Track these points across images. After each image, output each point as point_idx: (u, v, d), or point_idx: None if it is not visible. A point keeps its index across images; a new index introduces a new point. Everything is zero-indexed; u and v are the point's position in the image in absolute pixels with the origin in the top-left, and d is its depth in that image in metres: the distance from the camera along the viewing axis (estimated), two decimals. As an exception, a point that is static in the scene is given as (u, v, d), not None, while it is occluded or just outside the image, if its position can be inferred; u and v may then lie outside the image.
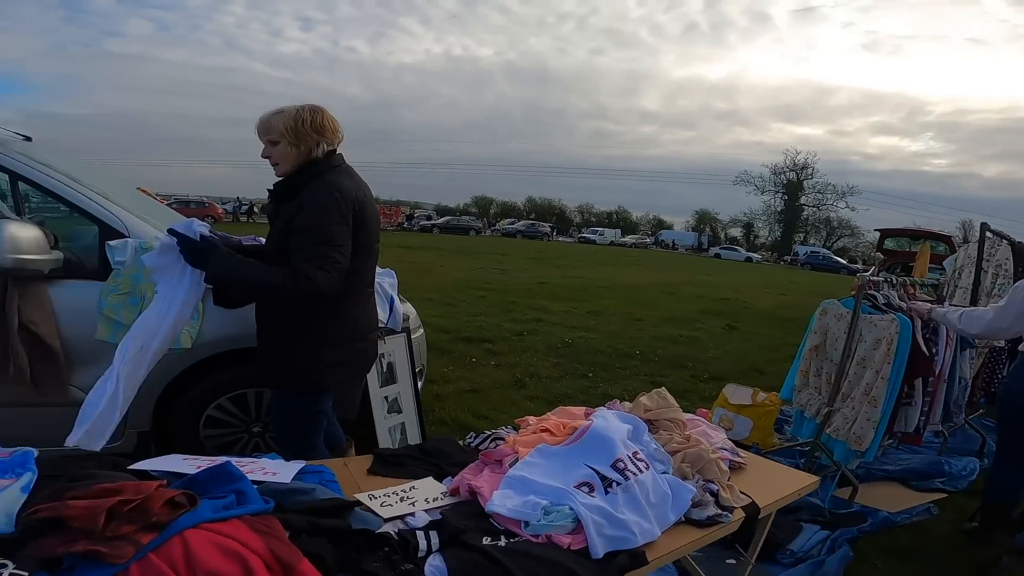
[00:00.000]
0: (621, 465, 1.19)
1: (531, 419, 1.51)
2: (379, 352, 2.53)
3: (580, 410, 1.55)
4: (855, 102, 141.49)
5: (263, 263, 1.73)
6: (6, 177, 2.43)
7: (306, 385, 1.84)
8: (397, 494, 1.18)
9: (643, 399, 1.65)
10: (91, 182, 2.34)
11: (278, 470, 1.09)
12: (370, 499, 1.15)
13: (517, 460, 1.22)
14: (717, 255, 43.77)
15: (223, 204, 37.29)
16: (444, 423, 3.39)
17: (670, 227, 65.69)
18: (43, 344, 2.00)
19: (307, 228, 1.66)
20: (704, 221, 66.22)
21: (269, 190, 1.86)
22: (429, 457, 1.41)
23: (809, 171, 56.11)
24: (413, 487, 1.21)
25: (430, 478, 1.27)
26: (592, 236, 49.17)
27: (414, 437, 2.84)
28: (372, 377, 2.55)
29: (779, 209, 57.35)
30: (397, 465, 1.36)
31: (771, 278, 22.46)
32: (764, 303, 12.05)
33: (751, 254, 46.16)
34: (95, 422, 1.66)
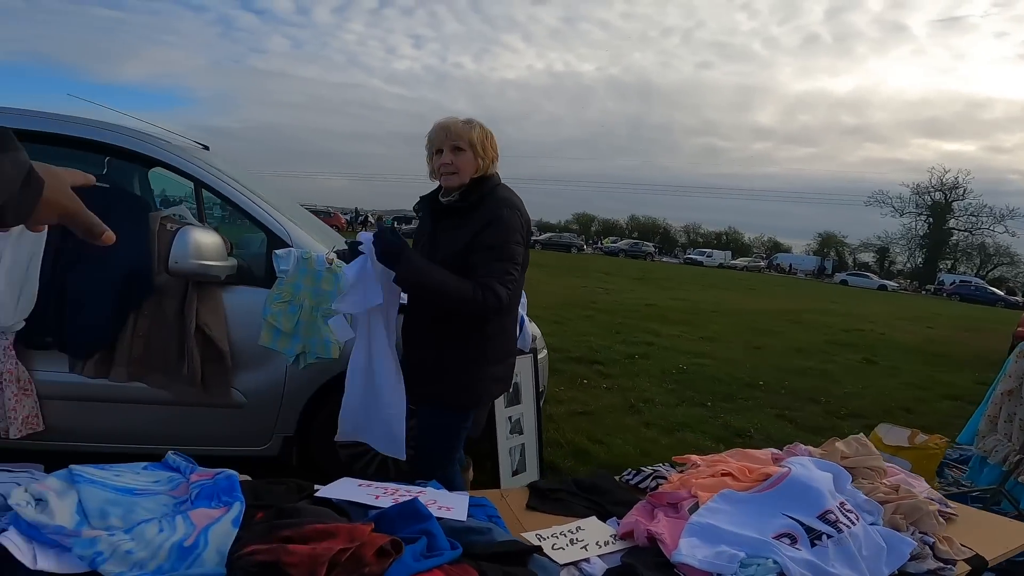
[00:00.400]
0: (832, 517, 1.06)
1: (696, 458, 1.40)
2: None
3: (763, 453, 1.41)
4: (1013, 116, 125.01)
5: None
6: (191, 184, 2.56)
7: (467, 402, 1.84)
8: (565, 535, 1.12)
9: (839, 445, 1.48)
10: (260, 191, 2.49)
11: (451, 504, 1.08)
12: (539, 539, 1.10)
13: (697, 505, 1.13)
14: (844, 281, 40.20)
15: (343, 214, 40.16)
16: (559, 445, 3.33)
17: (787, 250, 61.51)
18: (214, 347, 2.15)
19: (494, 245, 1.69)
20: (828, 244, 61.16)
21: (423, 199, 1.88)
22: (588, 494, 1.35)
23: (960, 191, 49.69)
24: (580, 527, 1.15)
25: (594, 518, 1.21)
26: (699, 257, 47.11)
27: (532, 459, 2.80)
28: (499, 398, 2.55)
29: (922, 233, 51.34)
30: (555, 500, 1.31)
31: (912, 309, 20.18)
32: (906, 336, 10.82)
33: (886, 282, 41.84)
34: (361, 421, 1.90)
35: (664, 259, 47.67)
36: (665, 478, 1.35)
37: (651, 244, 49.86)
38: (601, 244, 49.44)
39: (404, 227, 39.37)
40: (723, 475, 1.24)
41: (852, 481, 1.28)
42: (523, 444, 2.76)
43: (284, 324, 2.19)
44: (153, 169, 2.88)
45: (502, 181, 1.86)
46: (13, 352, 2.00)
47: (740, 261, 49.85)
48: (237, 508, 0.86)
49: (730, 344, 7.67)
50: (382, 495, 1.06)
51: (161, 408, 2.21)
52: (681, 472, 1.37)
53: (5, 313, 1.92)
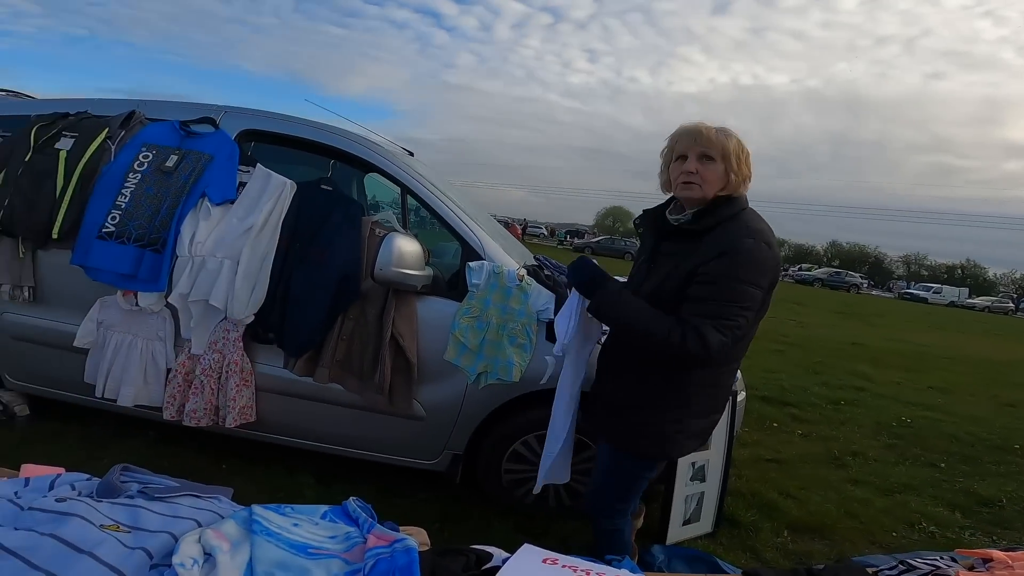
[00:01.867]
0: None
1: (1001, 555, 1.04)
2: None
3: None
4: None
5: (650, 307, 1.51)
6: (398, 190, 2.61)
7: (655, 452, 1.64)
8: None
9: None
10: (458, 200, 2.50)
11: None
12: None
13: None
14: None
15: (520, 226, 41.68)
16: (741, 495, 2.91)
17: (1050, 289, 49.20)
18: (404, 357, 2.19)
19: (718, 280, 1.40)
20: (1112, 284, 47.73)
21: (647, 213, 1.66)
22: None
23: None
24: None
25: None
26: (923, 293, 39.93)
27: (709, 509, 2.48)
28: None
29: None
30: None
31: None
32: None
33: None
34: (555, 463, 1.85)
35: (875, 292, 41.30)
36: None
37: (857, 274, 43.56)
38: (791, 271, 44.50)
39: (576, 240, 39.67)
40: None
41: None
42: (703, 493, 2.45)
43: (470, 340, 2.17)
44: (368, 175, 3.11)
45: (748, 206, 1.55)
46: (241, 344, 2.24)
47: (980, 300, 41.15)
48: None
49: (971, 398, 6.24)
50: None
51: (350, 412, 2.31)
52: (975, 570, 1.00)
53: (239, 306, 2.15)
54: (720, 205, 1.49)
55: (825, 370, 6.87)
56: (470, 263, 2.24)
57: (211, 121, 2.43)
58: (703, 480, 2.45)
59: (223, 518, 0.86)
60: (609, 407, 1.67)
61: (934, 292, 40.30)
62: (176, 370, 2.29)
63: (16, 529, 0.73)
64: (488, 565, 0.96)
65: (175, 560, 0.71)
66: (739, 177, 1.49)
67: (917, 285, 45.79)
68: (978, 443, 4.38)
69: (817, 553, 2.44)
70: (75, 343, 2.31)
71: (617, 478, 1.71)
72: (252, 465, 2.56)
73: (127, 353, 2.30)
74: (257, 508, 0.88)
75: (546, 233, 46.44)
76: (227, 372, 2.25)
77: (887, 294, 42.46)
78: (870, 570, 1.11)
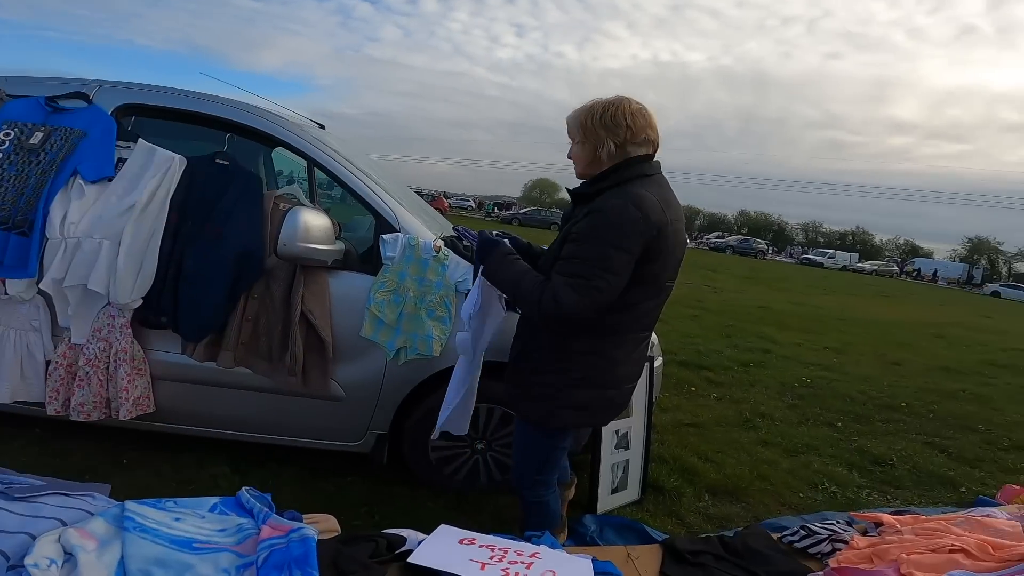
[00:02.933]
0: None
1: (889, 519, 1.09)
2: None
3: (1007, 523, 1.07)
4: None
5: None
6: (304, 163, 2.54)
7: (544, 423, 1.65)
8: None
9: None
10: (372, 173, 2.40)
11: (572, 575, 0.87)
12: None
13: None
14: (996, 293, 35.20)
15: (448, 199, 41.37)
16: (664, 461, 3.02)
17: (928, 255, 54.88)
18: (316, 335, 2.08)
19: (582, 239, 1.43)
20: (979, 251, 53.95)
21: (568, 190, 1.65)
22: (738, 559, 1.07)
23: None
24: (736, 610, 0.90)
25: None
26: (819, 258, 43.28)
27: (635, 476, 2.55)
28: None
29: (1097, 240, 43.82)
30: (696, 566, 1.05)
31: (1084, 327, 17.13)
32: (1082, 360, 9.10)
33: (1048, 294, 36.08)
34: (455, 413, 1.86)
35: (777, 258, 44.35)
36: (846, 542, 1.04)
37: (763, 241, 46.51)
38: (706, 239, 46.88)
39: (504, 213, 39.82)
40: (953, 551, 0.92)
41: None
42: (628, 460, 2.51)
43: (387, 315, 2.10)
44: (276, 149, 2.93)
45: (660, 174, 1.54)
46: (129, 330, 2.05)
47: (869, 264, 45.20)
48: None
49: (862, 358, 6.83)
50: (488, 562, 0.86)
51: (262, 396, 2.19)
52: (869, 535, 1.06)
53: (123, 290, 1.96)
54: (609, 174, 1.50)
55: (735, 333, 7.29)
56: (384, 235, 2.15)
57: (83, 96, 2.19)
58: (627, 448, 2.51)
59: (91, 516, 0.77)
60: (509, 371, 1.71)
61: (829, 257, 43.74)
62: (57, 362, 2.06)
63: None
64: (402, 549, 0.92)
65: (27, 561, 0.65)
66: (590, 143, 1.50)
67: (814, 251, 49.57)
68: (869, 402, 4.77)
69: (735, 516, 2.56)
70: (-71, 337, 2.00)
71: (526, 450, 1.74)
72: (156, 458, 2.38)
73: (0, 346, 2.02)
74: (130, 504, 0.81)
75: (474, 206, 46.15)
76: (116, 361, 2.06)
77: (789, 260, 45.66)
78: (775, 535, 1.16)
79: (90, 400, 2.06)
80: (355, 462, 2.45)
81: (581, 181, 1.60)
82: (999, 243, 53.83)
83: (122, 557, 0.70)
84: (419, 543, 0.94)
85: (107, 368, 2.06)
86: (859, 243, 61.34)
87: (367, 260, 2.22)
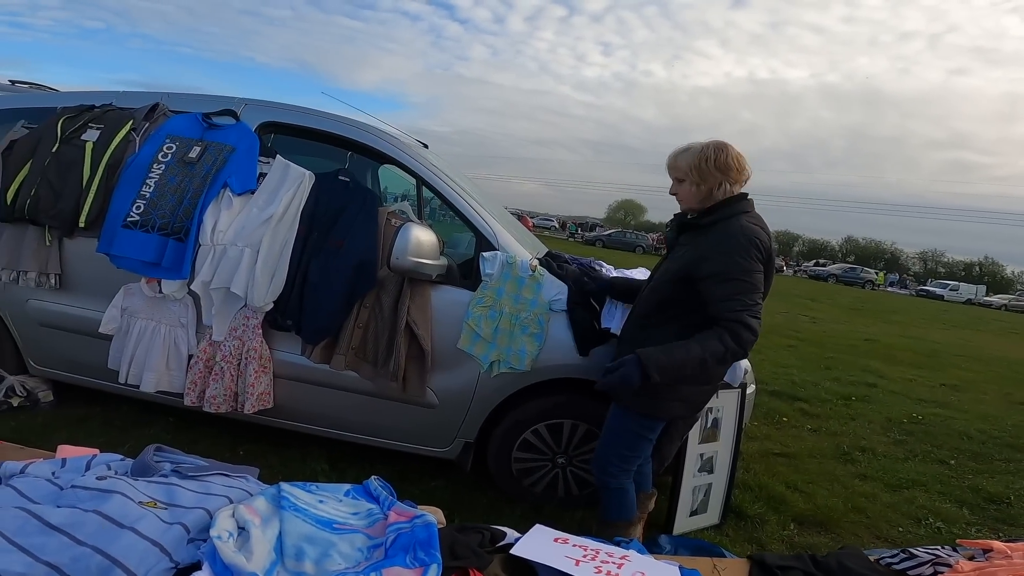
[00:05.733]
0: None
1: (1000, 546, 1.06)
2: (708, 405, 2.31)
3: None
4: None
5: (655, 311, 1.80)
6: (414, 181, 2.68)
7: (646, 408, 1.79)
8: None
9: None
10: (472, 192, 2.53)
11: None
12: None
13: None
14: None
15: (532, 218, 41.63)
16: (748, 488, 2.92)
17: (1070, 288, 48.23)
18: (418, 345, 2.22)
19: (730, 276, 1.61)
20: None
21: (675, 215, 1.90)
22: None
23: None
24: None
25: None
26: (939, 290, 39.32)
27: (716, 501, 2.50)
28: (693, 431, 2.32)
29: None
30: None
31: None
32: None
33: None
34: None
35: (889, 290, 40.78)
36: (950, 566, 1.01)
37: (873, 271, 42.93)
38: (804, 267, 43.93)
39: (587, 234, 39.38)
40: None
41: None
42: (710, 484, 2.47)
43: (483, 329, 2.20)
44: (382, 166, 3.12)
45: (754, 210, 1.78)
46: (260, 331, 2.29)
47: (997, 298, 40.43)
48: (433, 573, 0.79)
49: (983, 396, 6.18)
50: (582, 559, 0.93)
51: (364, 399, 2.35)
52: (975, 560, 1.02)
53: (259, 294, 2.19)
54: (721, 206, 1.74)
55: (836, 366, 6.84)
56: (484, 253, 2.27)
57: (232, 113, 2.47)
58: (711, 472, 2.48)
59: (252, 495, 0.90)
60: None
61: (951, 289, 39.68)
62: (197, 356, 2.34)
63: (59, 507, 0.77)
64: (502, 543, 1.00)
65: (212, 533, 0.74)
66: (706, 185, 1.74)
67: (933, 282, 45.13)
68: (989, 441, 4.36)
69: (822, 546, 2.46)
70: (100, 329, 2.37)
71: (618, 435, 1.85)
72: (267, 451, 2.60)
73: (150, 339, 2.36)
74: (285, 485, 0.92)
75: (557, 226, 46.21)
76: (246, 359, 2.30)
77: (903, 291, 41.91)
78: (872, 557, 1.14)
79: (221, 393, 2.30)
80: (441, 467, 2.57)
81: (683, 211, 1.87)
82: None
83: (280, 533, 0.82)
84: (516, 539, 1.02)
85: (238, 365, 2.30)
86: (987, 274, 55.15)
87: (467, 276, 2.34)
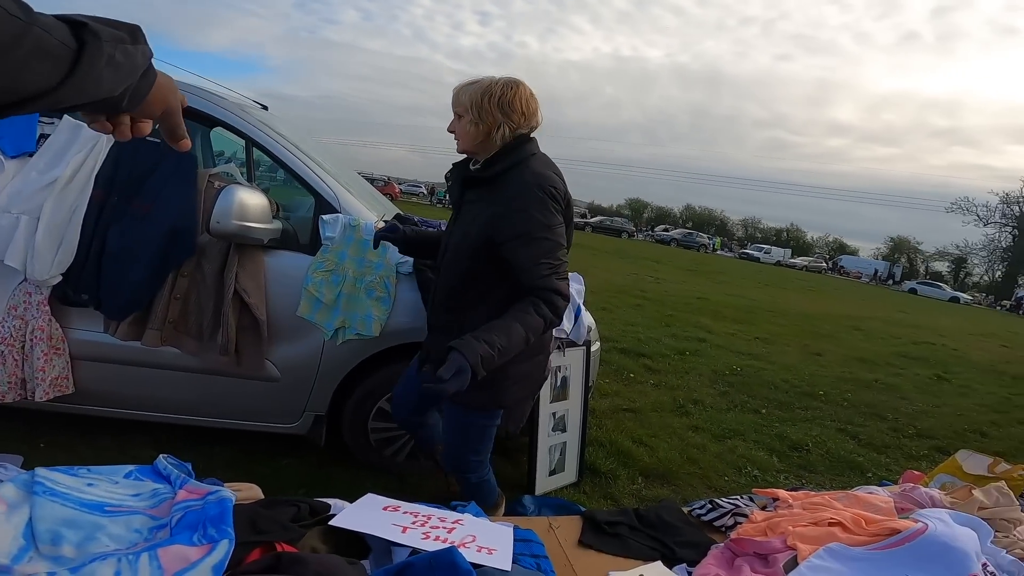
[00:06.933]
0: (976, 582, 0.85)
1: (784, 494, 1.18)
2: (555, 365, 2.35)
3: (882, 499, 1.17)
4: None
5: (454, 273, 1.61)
6: (242, 143, 2.50)
7: (486, 402, 1.66)
8: (628, 584, 0.93)
9: (977, 493, 1.24)
10: (315, 155, 2.37)
11: (493, 544, 0.88)
12: None
13: (795, 561, 0.92)
14: (913, 290, 37.87)
15: (399, 184, 40.46)
16: (601, 445, 3.13)
17: (853, 252, 58.34)
18: (250, 315, 2.04)
19: (523, 231, 1.46)
20: (900, 249, 57.84)
21: (454, 166, 1.67)
22: (651, 530, 1.14)
23: (1056, 204, 45.76)
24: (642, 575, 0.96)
25: (659, 563, 1.01)
26: (756, 253, 45.31)
27: (572, 459, 2.64)
28: (544, 391, 2.39)
29: (1005, 245, 47.71)
30: (613, 536, 1.11)
31: (986, 325, 18.73)
32: (980, 354, 9.99)
33: (959, 293, 39.14)
34: None
35: (719, 253, 46.12)
36: (746, 516, 1.13)
37: (706, 235, 48.17)
38: (652, 231, 48.10)
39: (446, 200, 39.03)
40: (830, 524, 1.01)
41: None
42: (565, 442, 2.59)
43: (325, 295, 2.07)
44: (214, 129, 2.84)
45: (540, 151, 1.60)
46: (47, 308, 1.94)
47: (800, 260, 47.65)
48: (223, 549, 0.70)
49: (787, 348, 7.24)
50: (410, 526, 0.89)
51: (192, 376, 2.13)
52: (767, 510, 1.15)
53: (41, 266, 1.86)
54: (505, 153, 1.54)
55: (675, 323, 7.57)
56: (323, 216, 2.13)
57: None
58: (564, 430, 2.59)
59: (2, 482, 0.76)
60: (438, 356, 1.62)
61: (764, 252, 45.85)
62: (-35, 340, 1.91)
63: None
64: (329, 515, 0.93)
65: None
66: (485, 124, 1.53)
67: (751, 245, 51.79)
68: (791, 390, 5.08)
69: (666, 498, 2.66)
70: None
71: (463, 434, 1.75)
72: (75, 442, 2.28)
73: None
74: (41, 470, 0.80)
75: (425, 192, 45.37)
76: (32, 340, 1.95)
77: (728, 254, 47.48)
78: (685, 510, 1.25)
79: (4, 381, 1.95)
80: (291, 444, 2.42)
81: (464, 157, 1.65)
82: (919, 243, 58.01)
83: (30, 519, 0.70)
84: (339, 509, 0.95)
85: (23, 347, 1.95)
86: (792, 240, 64.45)
87: (307, 241, 2.18)
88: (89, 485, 0.78)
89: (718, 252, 45.96)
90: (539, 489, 2.46)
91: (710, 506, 1.23)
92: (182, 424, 2.27)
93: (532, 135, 1.61)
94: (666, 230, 49.18)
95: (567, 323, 2.41)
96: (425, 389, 1.39)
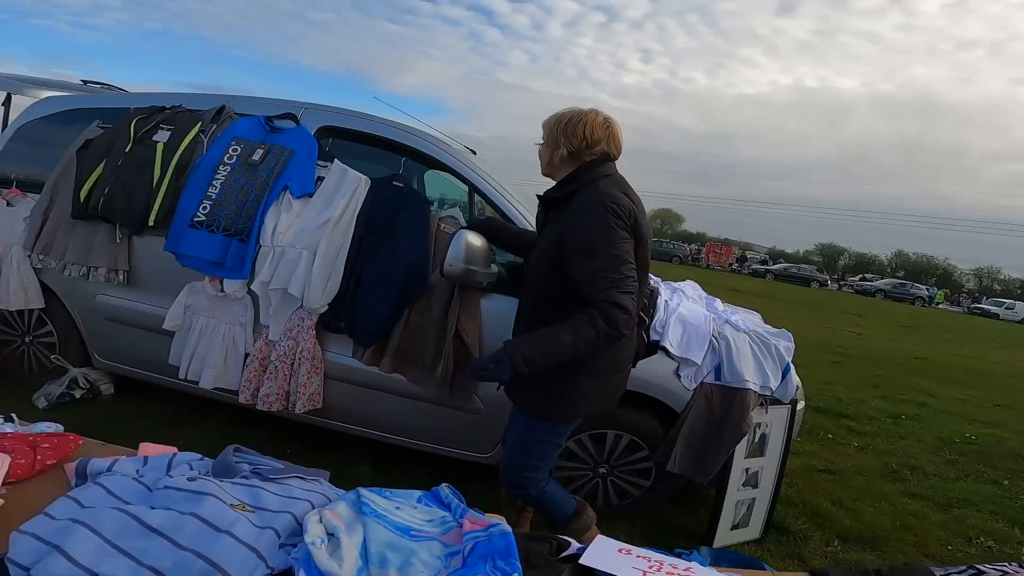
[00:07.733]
0: None
1: None
2: (755, 421, 2.25)
3: None
4: None
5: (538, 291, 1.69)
6: (466, 188, 2.69)
7: (552, 415, 1.70)
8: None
9: None
10: (520, 199, 2.53)
11: None
12: None
13: None
14: None
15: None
16: (792, 504, 2.85)
17: None
18: (466, 351, 2.23)
19: (593, 250, 1.51)
20: None
21: (538, 196, 1.80)
22: None
23: None
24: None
25: None
26: (994, 308, 37.42)
27: (759, 515, 2.46)
28: (740, 445, 2.28)
29: None
30: None
31: None
32: None
33: None
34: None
35: (941, 307, 39.08)
36: None
37: (924, 287, 41.11)
38: (849, 281, 42.28)
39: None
40: None
41: None
42: (754, 499, 2.43)
43: None
44: (428, 172, 3.14)
45: (617, 174, 1.67)
46: (314, 332, 2.33)
47: (1057, 318, 38.18)
48: None
49: (1042, 420, 5.87)
50: (648, 571, 0.92)
51: (409, 402, 2.38)
52: None
53: (315, 296, 2.24)
54: (576, 175, 1.64)
55: (885, 384, 6.60)
56: None
57: (293, 117, 2.54)
58: (755, 486, 2.43)
59: (330, 500, 0.91)
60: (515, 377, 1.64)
61: (1006, 308, 37.69)
62: (253, 355, 2.41)
63: (153, 508, 0.79)
64: (567, 552, 1.00)
65: (307, 539, 0.75)
66: (551, 146, 1.66)
67: (988, 300, 42.97)
68: (1044, 461, 4.13)
69: (868, 563, 2.38)
70: (164, 325, 2.46)
71: (525, 445, 1.75)
72: (312, 451, 2.64)
73: (210, 337, 2.44)
74: (363, 491, 0.92)
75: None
76: (300, 359, 2.35)
77: (955, 309, 40.03)
78: (938, 574, 1.10)
79: (274, 392, 2.35)
80: (478, 473, 2.56)
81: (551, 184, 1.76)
82: None
83: (364, 539, 0.81)
84: (579, 549, 1.02)
85: (292, 364, 2.36)
86: (1047, 293, 52.24)
87: (514, 283, 2.32)
88: (397, 508, 0.91)
89: (940, 306, 38.94)
90: (718, 542, 2.33)
91: (972, 571, 1.06)
92: (392, 444, 2.53)
93: (611, 160, 1.68)
94: (869, 280, 43.07)
95: (773, 380, 2.29)
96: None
